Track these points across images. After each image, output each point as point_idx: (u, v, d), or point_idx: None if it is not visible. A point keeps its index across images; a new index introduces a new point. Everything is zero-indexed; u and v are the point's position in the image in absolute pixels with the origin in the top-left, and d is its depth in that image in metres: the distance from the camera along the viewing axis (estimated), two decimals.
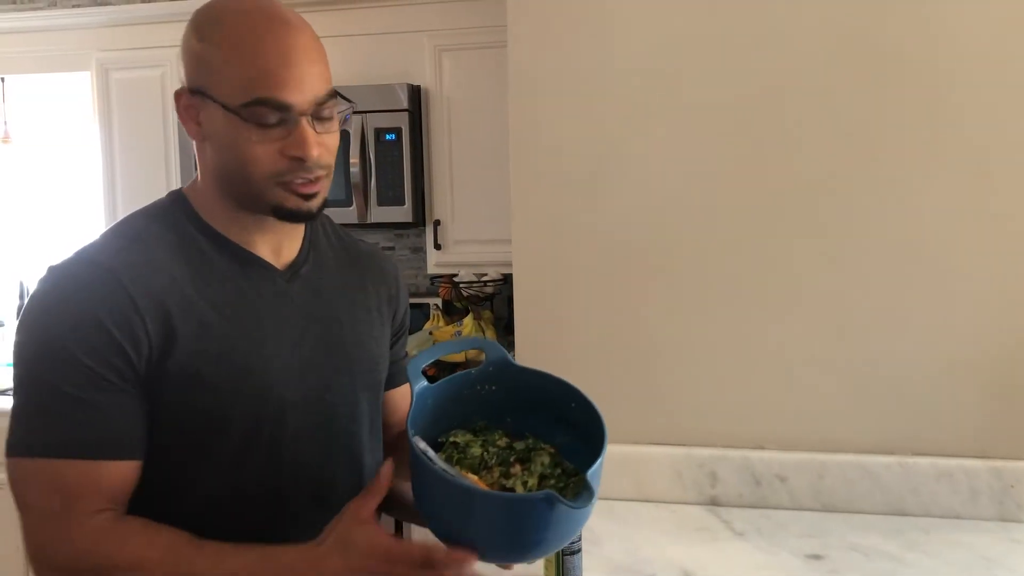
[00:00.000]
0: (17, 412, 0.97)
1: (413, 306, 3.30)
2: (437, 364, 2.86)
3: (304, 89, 0.98)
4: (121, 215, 3.20)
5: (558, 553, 1.33)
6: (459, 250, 3.01)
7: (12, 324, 3.63)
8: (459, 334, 2.95)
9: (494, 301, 3.12)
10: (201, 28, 1.01)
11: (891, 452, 1.68)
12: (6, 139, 3.50)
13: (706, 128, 1.72)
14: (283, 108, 0.97)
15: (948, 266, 1.64)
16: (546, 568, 1.38)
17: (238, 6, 1.00)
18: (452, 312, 3.14)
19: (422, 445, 0.96)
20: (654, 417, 1.79)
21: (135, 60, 3.16)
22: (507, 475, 1.02)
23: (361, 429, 1.14)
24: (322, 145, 1.01)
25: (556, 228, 1.81)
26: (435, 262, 3.04)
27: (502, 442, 1.05)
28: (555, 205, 1.81)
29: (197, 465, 1.01)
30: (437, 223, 2.99)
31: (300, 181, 1.00)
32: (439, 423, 1.05)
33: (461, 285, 3.03)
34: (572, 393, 1.06)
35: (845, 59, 1.66)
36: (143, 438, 0.98)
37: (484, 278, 3.01)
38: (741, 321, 1.73)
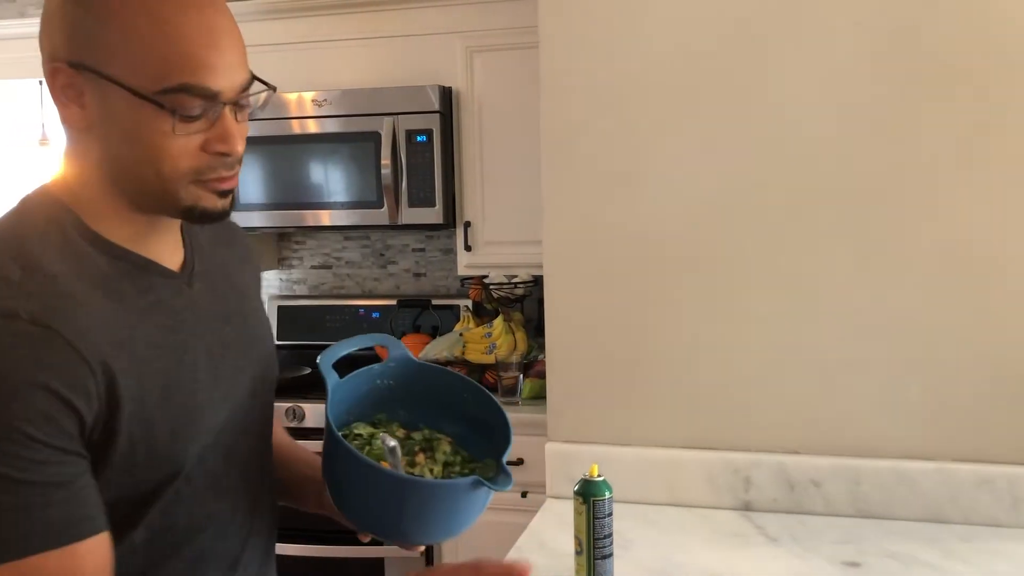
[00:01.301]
0: None
1: (443, 308, 3.30)
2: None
3: (231, 75, 0.85)
4: None
5: (590, 558, 1.34)
6: (489, 251, 3.00)
7: None
8: (489, 336, 2.94)
9: (524, 303, 3.11)
10: None
11: (930, 458, 1.64)
12: (44, 142, 3.54)
13: (741, 128, 1.70)
14: (209, 96, 0.83)
15: (990, 267, 1.60)
16: (578, 573, 1.37)
17: None
18: (482, 314, 3.13)
19: (392, 443, 1.01)
20: (687, 421, 1.77)
21: None
22: (412, 463, 1.07)
23: (268, 430, 1.09)
24: (243, 137, 0.88)
25: (588, 229, 1.80)
26: (465, 264, 3.04)
27: (400, 433, 1.11)
28: (587, 206, 1.79)
29: (141, 511, 0.90)
30: (468, 224, 2.98)
31: (219, 178, 0.87)
32: (340, 417, 1.08)
33: (491, 287, 3.03)
34: (467, 386, 1.14)
35: (885, 57, 1.62)
36: (103, 503, 0.84)
37: (514, 280, 3.00)
38: (777, 323, 1.71)
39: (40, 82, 3.47)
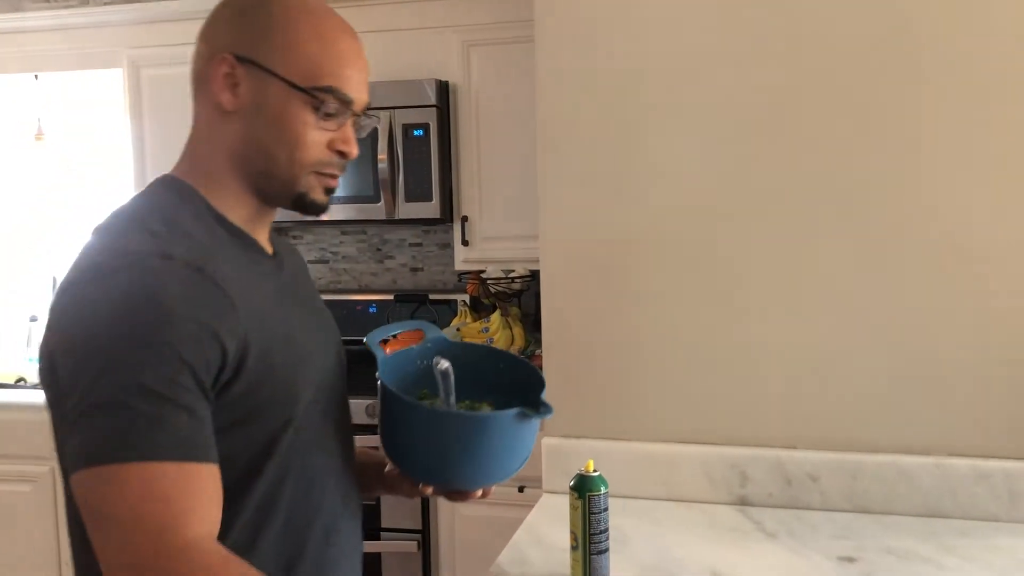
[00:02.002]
0: (96, 414, 0.84)
1: (441, 302, 3.30)
2: None
3: (362, 92, 1.02)
4: None
5: (586, 553, 1.33)
6: (487, 247, 2.99)
7: (44, 319, 3.67)
8: (486, 331, 2.94)
9: (522, 298, 3.10)
10: (272, 1, 1.00)
11: (928, 453, 1.64)
12: (39, 136, 3.53)
13: (737, 124, 1.70)
14: (346, 102, 1.00)
15: (989, 264, 1.60)
16: (573, 568, 1.36)
17: None
18: (480, 309, 3.13)
19: (444, 365, 1.09)
20: (684, 416, 1.76)
21: (166, 57, 3.18)
22: None
23: (348, 409, 1.17)
24: (357, 147, 1.04)
25: (584, 224, 1.79)
26: (463, 258, 3.03)
27: (437, 403, 1.15)
28: (583, 201, 1.79)
29: (260, 463, 0.98)
30: (465, 219, 2.98)
31: (331, 175, 1.02)
32: None
33: (489, 282, 3.02)
34: (501, 355, 1.23)
35: (882, 52, 1.62)
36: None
37: (512, 275, 2.99)
38: (774, 318, 1.70)
39: (36, 76, 3.46)
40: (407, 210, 2.94)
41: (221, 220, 1.01)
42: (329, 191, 1.04)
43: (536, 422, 1.09)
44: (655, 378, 1.77)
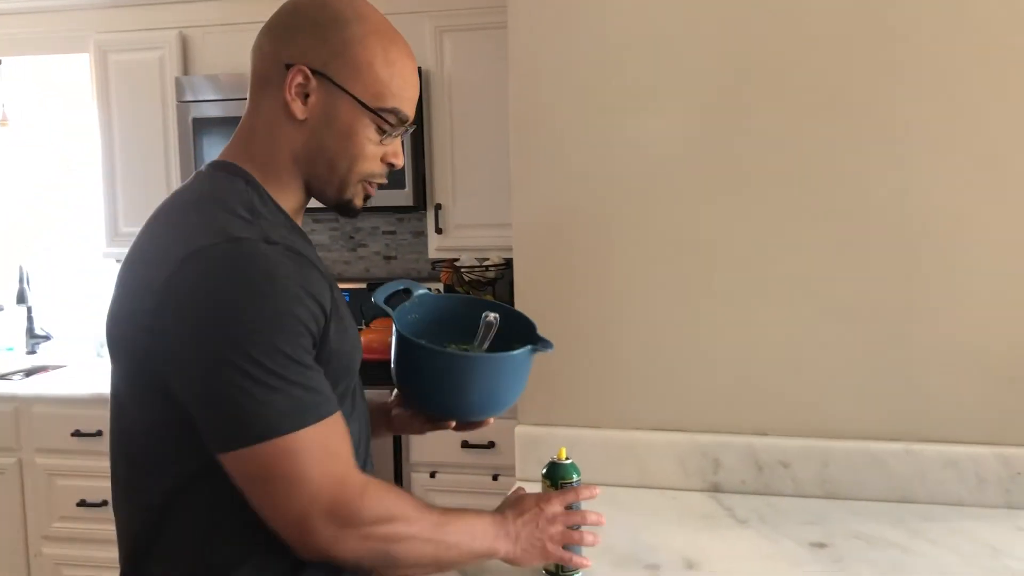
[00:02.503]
0: (252, 391, 0.94)
1: None
2: None
3: (414, 110, 1.13)
4: (121, 198, 3.22)
5: None
6: (461, 234, 2.99)
7: (12, 308, 3.61)
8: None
9: (496, 285, 3.09)
10: (347, 19, 1.08)
11: (898, 439, 1.65)
12: (4, 122, 3.47)
13: (709, 111, 1.69)
14: (404, 121, 1.11)
15: (958, 252, 1.61)
16: None
17: (380, 14, 1.15)
18: None
19: (492, 316, 1.34)
20: (657, 403, 1.77)
21: (134, 42, 3.13)
22: None
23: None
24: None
25: (557, 212, 1.78)
26: (436, 246, 3.02)
27: (451, 347, 1.32)
28: (555, 188, 1.78)
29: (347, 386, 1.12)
30: (438, 207, 2.96)
31: (376, 184, 1.13)
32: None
33: (463, 270, 3.01)
34: (485, 304, 1.38)
35: (858, 38, 1.62)
36: None
37: (486, 262, 2.99)
38: (745, 306, 1.71)
39: (0, 60, 3.39)
40: (380, 197, 2.88)
41: (277, 207, 1.09)
42: (367, 198, 1.14)
43: (530, 358, 1.30)
44: (628, 366, 1.77)
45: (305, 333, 0.98)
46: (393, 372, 1.31)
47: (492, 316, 1.31)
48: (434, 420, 1.36)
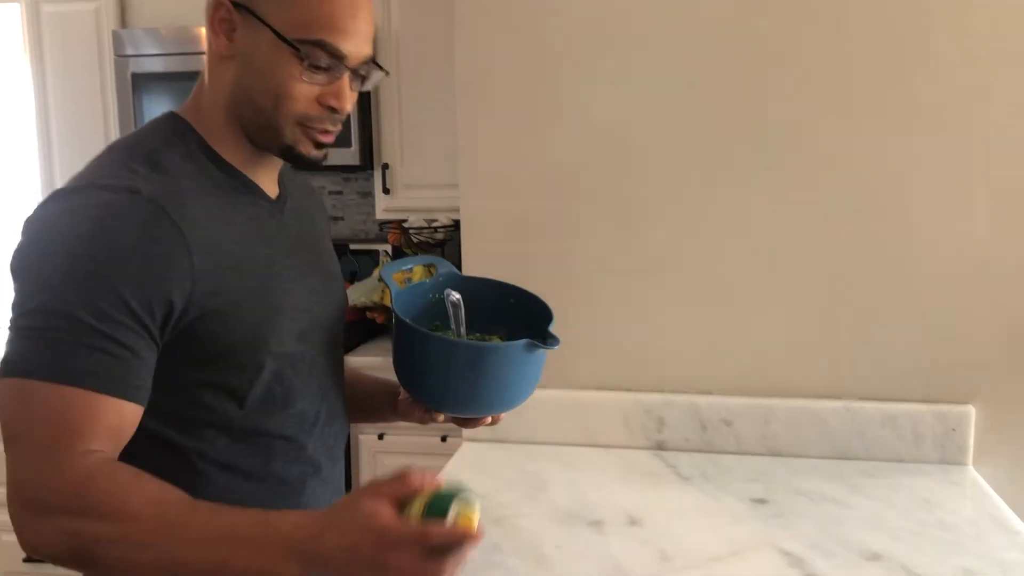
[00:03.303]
0: (23, 332, 0.87)
1: (361, 252, 3.24)
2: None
3: (359, 45, 1.00)
4: (57, 154, 3.12)
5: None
6: (409, 195, 2.94)
7: None
8: (409, 281, 2.90)
9: (445, 247, 3.07)
10: None
11: (838, 397, 1.68)
12: None
13: (655, 65, 1.68)
14: (338, 57, 0.98)
15: (898, 213, 1.63)
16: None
17: None
18: (401, 258, 3.09)
19: (455, 297, 1.14)
20: (602, 363, 1.77)
21: None
22: None
23: (340, 356, 1.19)
24: (352, 101, 1.02)
25: (503, 170, 1.76)
26: (384, 207, 2.97)
27: (449, 335, 1.20)
28: (502, 147, 1.76)
29: (231, 402, 0.99)
30: (386, 167, 2.92)
31: (320, 129, 1.01)
32: None
33: (411, 231, 2.98)
34: (510, 290, 1.25)
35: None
36: (149, 390, 0.92)
37: (434, 223, 2.96)
38: (691, 266, 1.71)
39: None
40: None
41: (217, 161, 1.01)
42: (319, 145, 1.02)
43: (543, 353, 1.13)
44: (574, 326, 1.76)
45: (115, 299, 0.86)
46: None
47: (454, 296, 1.15)
48: (429, 410, 1.23)
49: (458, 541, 0.77)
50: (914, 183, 1.62)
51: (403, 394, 1.26)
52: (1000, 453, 1.65)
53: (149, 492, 0.84)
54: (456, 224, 2.91)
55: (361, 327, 2.85)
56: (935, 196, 1.62)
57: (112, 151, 0.98)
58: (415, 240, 2.98)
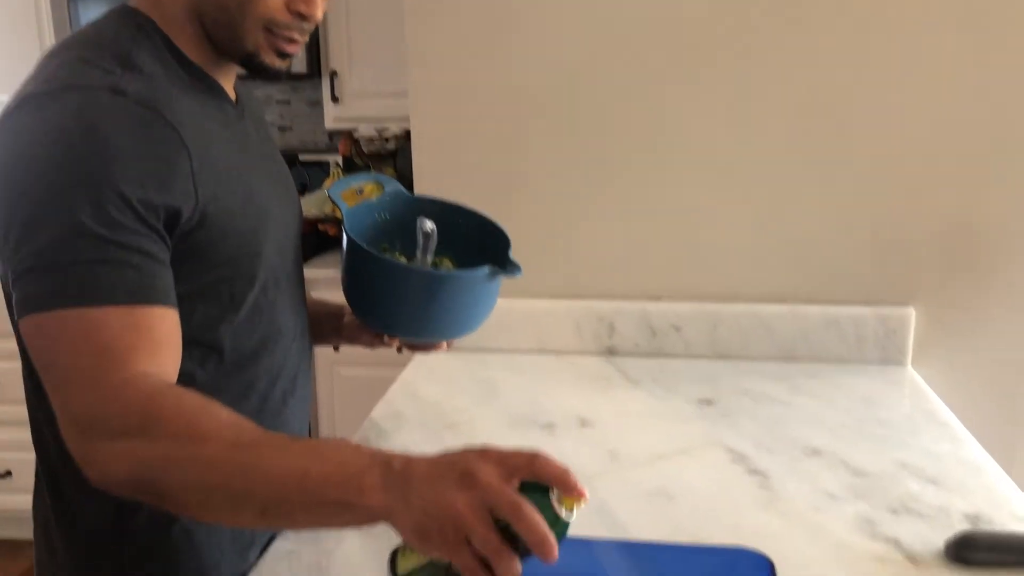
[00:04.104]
0: (30, 261, 0.79)
1: (311, 164, 3.19)
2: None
3: None
4: None
5: None
6: (358, 104, 2.89)
7: None
8: (360, 193, 2.87)
9: (397, 157, 3.03)
10: None
11: (784, 301, 1.72)
12: None
13: None
14: None
15: (839, 119, 1.64)
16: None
17: None
18: (352, 170, 3.05)
19: (429, 226, 1.11)
20: (555, 272, 1.78)
21: None
22: None
23: (302, 268, 1.16)
24: (322, 8, 0.97)
25: (455, 79, 1.73)
26: (333, 116, 2.92)
27: (402, 258, 1.18)
28: (453, 55, 1.72)
29: (229, 317, 0.96)
30: (334, 74, 2.85)
31: (287, 37, 0.95)
32: None
33: (361, 141, 2.93)
34: (458, 211, 1.21)
35: None
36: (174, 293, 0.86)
37: (386, 133, 2.91)
38: (639, 175, 1.72)
39: None
40: None
41: (183, 61, 0.94)
42: (283, 55, 0.96)
43: (499, 279, 1.10)
44: (526, 234, 1.76)
45: (119, 203, 0.80)
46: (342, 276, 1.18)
47: (429, 225, 1.11)
48: (379, 335, 1.21)
49: (542, 537, 0.64)
50: (855, 89, 1.62)
51: (349, 316, 1.23)
52: (937, 353, 1.70)
53: (220, 415, 0.77)
54: (407, 133, 2.87)
55: (312, 240, 2.83)
56: (876, 102, 1.63)
57: (71, 49, 0.89)
58: (366, 151, 2.94)
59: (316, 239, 2.87)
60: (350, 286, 1.14)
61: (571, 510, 0.67)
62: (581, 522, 1.10)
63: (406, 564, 0.74)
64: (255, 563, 1.03)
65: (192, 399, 0.78)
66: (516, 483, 0.67)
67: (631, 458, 1.29)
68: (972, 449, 1.31)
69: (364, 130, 2.92)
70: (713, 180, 1.70)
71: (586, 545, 0.96)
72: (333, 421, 2.78)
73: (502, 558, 0.64)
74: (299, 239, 1.13)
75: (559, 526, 0.66)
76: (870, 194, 1.66)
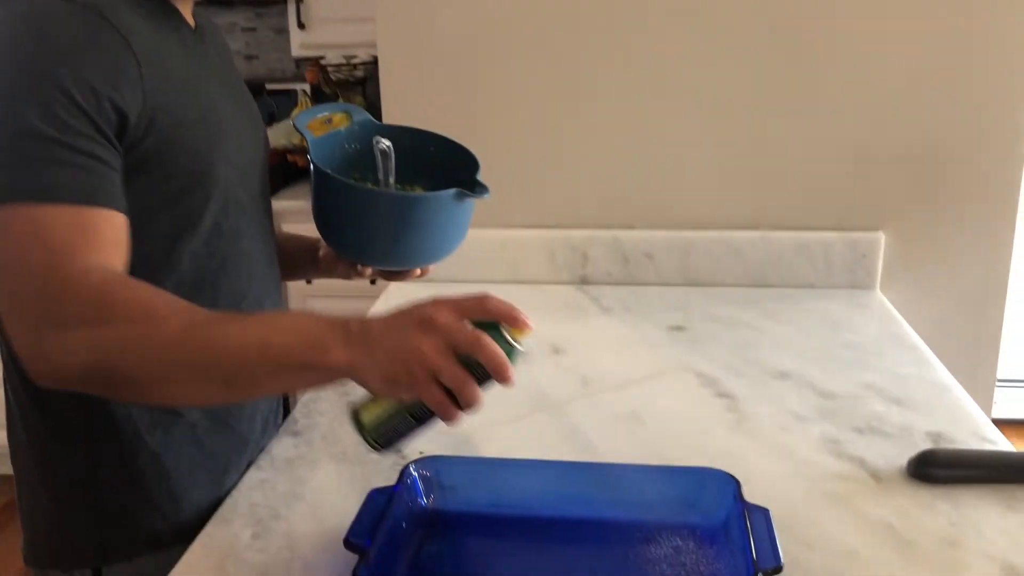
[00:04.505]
0: None
1: (278, 93, 3.13)
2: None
3: None
4: None
5: None
6: (325, 30, 2.82)
7: None
8: (329, 122, 2.82)
9: (366, 86, 2.98)
10: None
11: (754, 227, 1.72)
12: None
13: None
14: None
15: (810, 44, 1.63)
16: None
17: None
18: (321, 98, 2.99)
19: (385, 144, 1.08)
20: (528, 202, 1.77)
21: None
22: None
23: (268, 197, 1.14)
24: None
25: (423, 3, 1.69)
26: (300, 43, 2.85)
27: (383, 186, 1.16)
28: None
29: (187, 238, 0.94)
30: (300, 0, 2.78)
31: None
32: None
33: (329, 68, 2.87)
34: (431, 138, 1.20)
35: None
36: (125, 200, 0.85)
37: (354, 60, 2.85)
38: (611, 103, 1.70)
39: None
40: None
41: None
42: None
43: (471, 203, 1.10)
44: (498, 165, 1.74)
45: (70, 107, 0.79)
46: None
47: (384, 144, 1.09)
48: (354, 266, 1.21)
49: (501, 362, 0.71)
50: (825, 17, 1.61)
51: (324, 249, 1.23)
52: (905, 277, 1.73)
53: (174, 300, 0.78)
54: (376, 60, 2.81)
55: (281, 171, 2.79)
56: (846, 29, 1.61)
57: None
58: (334, 78, 2.88)
59: (285, 170, 2.83)
60: (319, 215, 1.13)
61: (519, 341, 0.77)
62: (552, 445, 1.12)
63: (371, 414, 0.79)
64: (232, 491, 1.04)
65: (145, 287, 0.79)
66: (469, 324, 0.73)
67: (602, 383, 1.31)
68: (937, 371, 1.33)
69: (332, 57, 2.86)
70: (684, 109, 1.69)
71: (556, 467, 0.98)
72: None
73: (469, 387, 0.71)
74: (265, 168, 1.11)
75: (513, 355, 0.75)
76: (840, 121, 1.66)
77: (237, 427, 1.06)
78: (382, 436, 0.80)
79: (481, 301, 0.74)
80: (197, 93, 0.94)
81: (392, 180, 1.12)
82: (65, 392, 0.83)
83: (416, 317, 0.72)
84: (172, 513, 0.99)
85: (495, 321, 0.75)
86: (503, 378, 0.72)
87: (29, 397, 0.95)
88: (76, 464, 0.97)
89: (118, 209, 0.83)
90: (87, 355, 0.75)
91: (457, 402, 0.73)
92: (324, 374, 0.73)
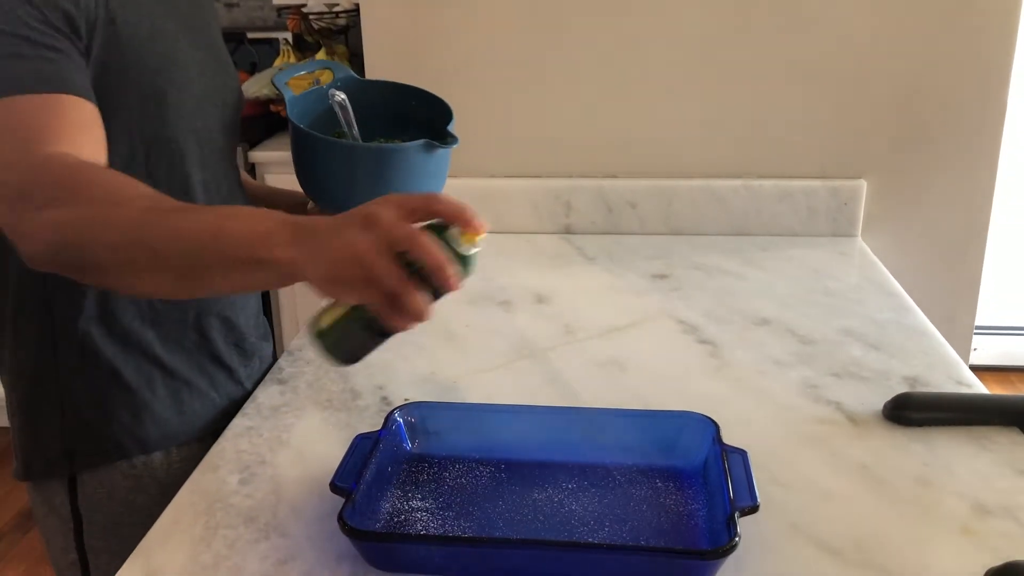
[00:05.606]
0: None
1: (260, 42, 3.09)
2: None
3: None
4: None
5: None
6: None
7: None
8: (318, 83, 2.79)
9: (348, 34, 2.94)
10: None
11: (737, 176, 1.73)
12: None
13: None
14: None
15: None
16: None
17: None
18: (304, 48, 2.95)
19: (340, 96, 1.10)
20: (511, 151, 1.77)
21: None
22: None
23: (234, 149, 1.15)
24: None
25: None
26: None
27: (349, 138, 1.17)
28: None
29: (135, 158, 0.96)
30: None
31: None
32: None
33: (311, 17, 2.83)
34: (412, 92, 1.21)
35: None
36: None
37: (336, 8, 2.81)
38: (594, 52, 1.69)
39: None
40: None
41: None
42: None
43: (446, 153, 1.11)
44: (483, 114, 1.75)
45: (25, 5, 0.82)
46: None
47: (340, 96, 1.10)
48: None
49: (439, 263, 0.67)
50: None
51: (312, 205, 1.24)
52: (886, 225, 1.74)
53: (141, 187, 0.79)
54: (358, 8, 2.77)
55: (264, 121, 2.76)
56: None
57: None
58: (316, 27, 2.84)
59: (267, 120, 2.80)
60: (299, 170, 1.15)
61: (471, 244, 0.72)
62: (536, 392, 1.14)
63: (326, 320, 0.76)
64: (204, 428, 1.08)
65: (115, 173, 0.81)
66: (417, 224, 0.69)
67: (585, 331, 1.32)
68: (915, 316, 1.35)
69: (313, 5, 2.81)
70: (667, 57, 1.68)
71: (539, 413, 0.99)
72: (295, 309, 2.78)
73: (406, 289, 0.66)
74: (233, 111, 1.12)
75: (463, 261, 0.71)
76: (822, 69, 1.65)
77: (191, 348, 1.08)
78: (336, 346, 0.76)
79: (428, 200, 0.70)
80: (156, 23, 0.96)
81: (355, 132, 1.14)
82: (27, 300, 0.89)
83: (361, 215, 0.67)
84: (133, 425, 1.03)
85: (446, 223, 0.71)
86: (442, 280, 0.67)
87: None
88: (40, 375, 1.00)
89: (86, 97, 0.85)
90: (55, 234, 0.76)
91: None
92: (272, 271, 0.70)
